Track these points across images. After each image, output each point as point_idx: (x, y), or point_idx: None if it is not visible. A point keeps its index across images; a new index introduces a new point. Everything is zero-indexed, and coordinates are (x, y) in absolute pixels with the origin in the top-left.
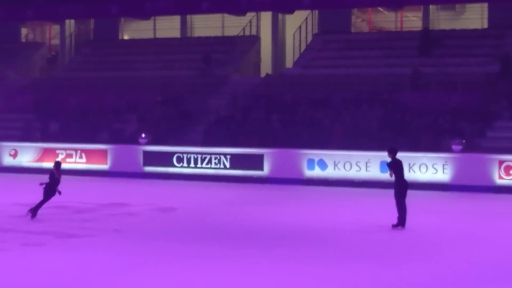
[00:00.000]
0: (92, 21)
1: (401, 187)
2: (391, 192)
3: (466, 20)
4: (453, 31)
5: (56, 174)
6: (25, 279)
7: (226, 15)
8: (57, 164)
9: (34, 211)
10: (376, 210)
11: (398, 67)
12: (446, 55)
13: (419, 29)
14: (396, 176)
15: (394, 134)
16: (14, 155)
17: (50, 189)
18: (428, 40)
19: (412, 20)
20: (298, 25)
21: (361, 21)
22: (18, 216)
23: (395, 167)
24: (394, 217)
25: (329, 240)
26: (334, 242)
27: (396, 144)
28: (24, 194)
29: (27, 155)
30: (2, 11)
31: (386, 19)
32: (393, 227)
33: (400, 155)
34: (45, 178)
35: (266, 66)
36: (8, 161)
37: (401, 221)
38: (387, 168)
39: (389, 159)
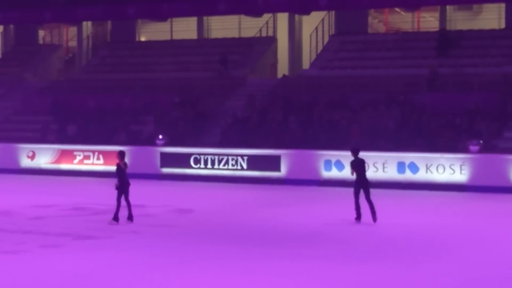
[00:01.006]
0: (109, 23)
1: (359, 185)
2: (408, 193)
3: (483, 20)
4: (470, 31)
5: (122, 166)
6: (44, 280)
7: (242, 17)
8: (121, 153)
9: (115, 217)
10: (393, 210)
11: (415, 67)
12: (463, 56)
13: (436, 29)
14: (357, 174)
15: (411, 135)
16: (32, 157)
17: (121, 186)
18: (445, 40)
19: (429, 20)
20: (315, 26)
21: (378, 22)
22: (36, 218)
23: (357, 166)
24: (411, 217)
25: (346, 241)
26: (352, 243)
27: (413, 145)
28: (42, 196)
29: (45, 156)
30: (20, 13)
31: (403, 20)
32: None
33: (417, 156)
34: (62, 180)
35: (283, 67)
36: (26, 162)
37: (373, 213)
38: (404, 168)
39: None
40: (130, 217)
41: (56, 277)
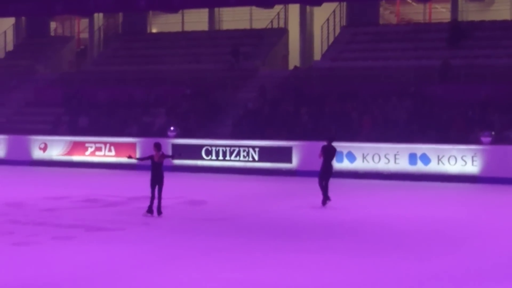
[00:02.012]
0: (120, 14)
1: (324, 169)
2: (420, 185)
3: (495, 11)
4: (482, 22)
5: (155, 158)
6: (55, 272)
7: (254, 8)
8: (157, 145)
9: (149, 209)
10: (405, 202)
11: (427, 59)
12: (475, 47)
13: (448, 20)
14: (324, 160)
15: (423, 126)
16: (44, 149)
17: (153, 178)
18: (457, 31)
19: (440, 11)
20: (326, 17)
21: (389, 13)
22: (48, 210)
23: (326, 152)
24: (423, 209)
25: (357, 233)
26: (363, 235)
27: (425, 137)
28: (54, 188)
29: (56, 148)
30: (31, 5)
31: (414, 11)
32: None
33: (429, 147)
34: (74, 171)
35: (294, 59)
36: (38, 154)
37: (325, 200)
38: (416, 160)
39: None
40: (149, 209)
41: (68, 269)
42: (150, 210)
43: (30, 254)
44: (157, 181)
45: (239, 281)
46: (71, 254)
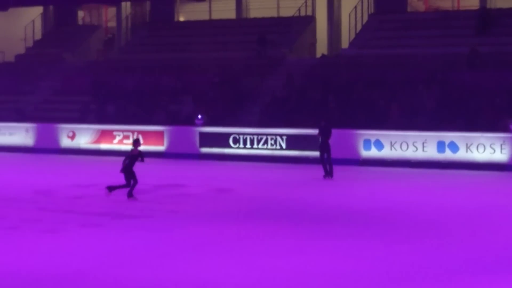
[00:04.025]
0: (148, 3)
1: (323, 147)
2: (448, 172)
3: None
4: (510, 9)
5: (135, 151)
6: (84, 259)
7: None
8: (136, 141)
9: (129, 194)
10: (432, 191)
11: (455, 46)
12: (503, 34)
13: (476, 8)
14: (322, 139)
15: (451, 114)
16: (72, 137)
17: (128, 170)
18: (485, 19)
19: None
20: (354, 5)
21: (417, 0)
22: (76, 197)
23: (323, 131)
24: (451, 197)
25: (385, 221)
26: (390, 223)
27: (453, 124)
28: (82, 176)
29: (84, 137)
30: None
31: None
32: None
33: (457, 135)
34: (102, 160)
35: (321, 47)
36: (66, 143)
37: (331, 172)
38: (444, 148)
39: None
40: (111, 189)
41: (95, 256)
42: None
43: (58, 242)
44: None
45: (271, 268)
46: (98, 242)
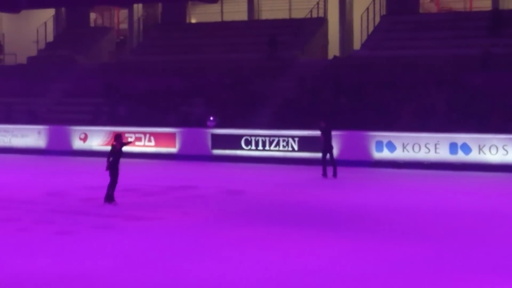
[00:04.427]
0: (159, 5)
1: (326, 148)
2: (461, 174)
3: None
4: None
5: (117, 146)
6: (96, 261)
7: None
8: (117, 136)
9: (108, 198)
10: (445, 192)
11: (467, 47)
12: None
13: (489, 9)
14: (325, 140)
15: (463, 115)
16: (84, 139)
17: (114, 167)
18: (498, 20)
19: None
20: (366, 6)
21: (430, 2)
22: (88, 199)
23: (325, 132)
24: (464, 199)
25: (397, 223)
26: (403, 224)
27: (465, 126)
28: (94, 178)
29: (96, 138)
30: None
31: None
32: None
33: (469, 136)
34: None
35: (333, 48)
36: (78, 144)
37: (335, 173)
38: (456, 149)
39: None
40: (108, 199)
41: (107, 258)
42: (111, 199)
43: (71, 243)
44: (117, 173)
45: (284, 269)
46: (110, 244)
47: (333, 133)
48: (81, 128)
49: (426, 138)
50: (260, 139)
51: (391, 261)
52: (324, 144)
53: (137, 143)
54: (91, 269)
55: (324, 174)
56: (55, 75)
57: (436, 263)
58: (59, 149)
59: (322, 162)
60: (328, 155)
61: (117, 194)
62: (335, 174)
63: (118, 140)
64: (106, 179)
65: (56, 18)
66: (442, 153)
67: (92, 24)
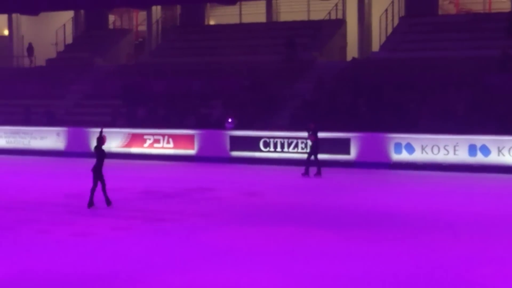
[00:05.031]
0: (178, 7)
1: (315, 149)
2: (480, 176)
3: None
4: None
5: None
6: (114, 263)
7: None
8: (99, 139)
9: (90, 203)
10: (464, 194)
11: (486, 49)
12: None
13: (508, 10)
14: (314, 140)
15: (482, 117)
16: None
17: (98, 170)
18: None
19: (500, 1)
20: (385, 8)
21: (448, 3)
22: None
23: (315, 132)
24: (483, 201)
25: (416, 224)
26: (421, 227)
27: (484, 127)
28: (113, 179)
29: (115, 140)
30: None
31: (473, 0)
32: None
33: (488, 138)
34: (133, 163)
35: (352, 50)
36: None
37: (306, 171)
38: (475, 151)
39: None
40: (90, 203)
41: (126, 260)
42: (91, 203)
43: (89, 245)
44: (101, 173)
45: (302, 272)
46: (129, 245)
47: (319, 134)
48: (99, 130)
49: (445, 139)
50: (278, 141)
51: (412, 263)
52: (314, 145)
53: (155, 145)
54: (110, 271)
55: (306, 173)
56: (74, 77)
57: (458, 265)
58: (77, 151)
59: (307, 162)
60: (312, 156)
61: (136, 196)
62: (319, 173)
63: (101, 142)
64: (125, 181)
65: (75, 20)
66: (461, 155)
67: (110, 26)
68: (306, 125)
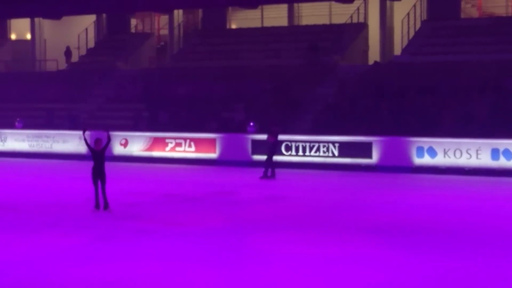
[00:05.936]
0: (200, 10)
1: (274, 151)
2: (502, 180)
3: None
4: None
5: (97, 146)
6: (137, 266)
7: (333, 3)
8: (96, 141)
9: (101, 206)
10: (487, 198)
11: (509, 53)
12: None
13: None
14: (274, 142)
15: (505, 121)
16: (125, 145)
17: (95, 171)
18: None
19: None
20: (407, 11)
21: (471, 7)
22: (128, 204)
23: (276, 135)
24: (506, 205)
25: (438, 229)
26: (445, 231)
27: (507, 131)
28: (135, 183)
29: (137, 144)
30: (112, 2)
31: (496, 4)
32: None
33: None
34: (155, 167)
35: (374, 54)
36: (119, 150)
37: (265, 174)
38: (498, 155)
39: None
40: (96, 205)
41: (148, 263)
42: (97, 205)
43: (111, 249)
44: (99, 174)
45: (322, 276)
46: (151, 249)
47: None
48: (121, 133)
49: (467, 143)
50: (300, 144)
51: (435, 271)
52: (273, 147)
53: (177, 148)
54: (132, 274)
55: (265, 175)
56: (96, 81)
57: (474, 270)
58: None
59: (266, 164)
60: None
61: (158, 199)
62: (273, 175)
63: (99, 144)
64: (146, 185)
65: (97, 24)
66: (484, 159)
67: (132, 30)
68: (269, 128)
